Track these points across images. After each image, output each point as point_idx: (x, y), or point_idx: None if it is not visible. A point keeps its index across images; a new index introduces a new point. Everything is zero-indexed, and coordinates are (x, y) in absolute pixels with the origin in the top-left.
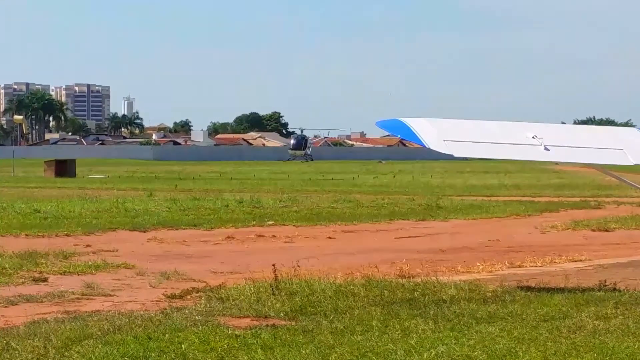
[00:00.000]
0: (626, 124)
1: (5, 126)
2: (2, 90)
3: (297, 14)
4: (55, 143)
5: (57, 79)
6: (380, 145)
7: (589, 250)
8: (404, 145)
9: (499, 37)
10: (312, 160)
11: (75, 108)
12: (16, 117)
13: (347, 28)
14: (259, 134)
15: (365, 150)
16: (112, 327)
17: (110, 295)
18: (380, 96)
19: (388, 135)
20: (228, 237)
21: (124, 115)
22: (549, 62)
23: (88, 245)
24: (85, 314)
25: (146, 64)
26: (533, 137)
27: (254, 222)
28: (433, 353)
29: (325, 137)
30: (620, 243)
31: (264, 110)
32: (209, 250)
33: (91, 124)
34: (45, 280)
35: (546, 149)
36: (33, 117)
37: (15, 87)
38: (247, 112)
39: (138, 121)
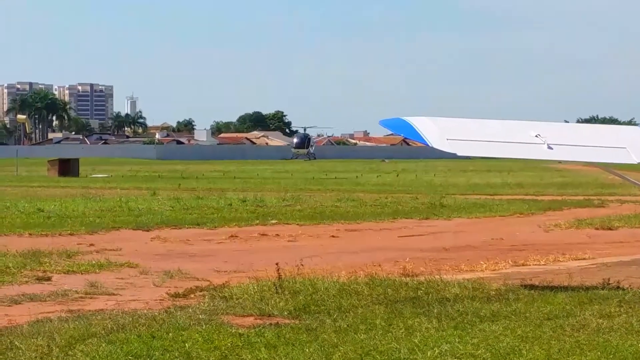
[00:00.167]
0: (629, 123)
1: (8, 125)
2: (6, 90)
3: (298, 13)
4: (58, 142)
5: (60, 78)
6: (384, 144)
7: (592, 248)
8: (407, 144)
9: (500, 37)
10: (315, 159)
11: (79, 107)
12: (19, 116)
13: (349, 28)
14: (262, 133)
15: (368, 149)
16: (116, 326)
17: (113, 294)
18: (382, 95)
19: (391, 134)
20: (231, 236)
21: (127, 115)
22: (550, 62)
23: (91, 245)
24: (89, 313)
25: (149, 63)
26: (536, 136)
27: (258, 221)
28: (437, 351)
29: (328, 136)
30: (624, 241)
31: (267, 110)
32: (212, 249)
33: (94, 124)
34: (48, 279)
35: (549, 147)
36: (36, 116)
37: (19, 86)
38: (251, 111)
39: (141, 120)
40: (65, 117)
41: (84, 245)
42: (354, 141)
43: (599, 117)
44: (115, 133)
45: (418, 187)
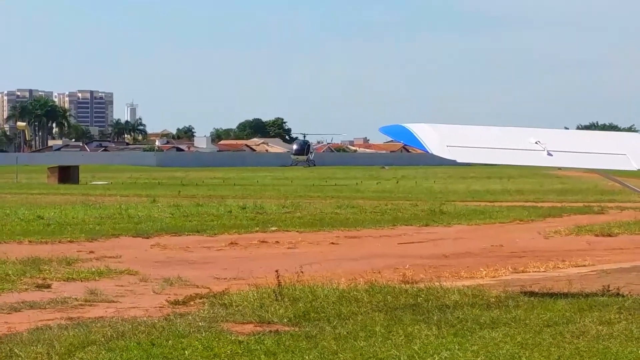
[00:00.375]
0: (629, 129)
1: (8, 133)
2: (5, 97)
3: (299, 19)
4: (58, 149)
5: (60, 85)
6: (383, 151)
7: (592, 255)
8: (407, 150)
9: (500, 38)
10: (314, 165)
11: (78, 114)
12: (19, 123)
13: (349, 32)
14: (262, 140)
15: (368, 155)
16: (116, 334)
17: (113, 302)
18: (382, 101)
19: (391, 141)
20: (231, 243)
21: (127, 122)
22: (550, 64)
23: (91, 252)
24: (89, 321)
25: (149, 70)
26: (536, 143)
27: (257, 228)
28: (436, 358)
29: (328, 143)
30: (624, 248)
31: (267, 116)
32: (212, 256)
33: (94, 131)
34: (48, 286)
35: (549, 154)
36: (36, 123)
37: (19, 93)
38: (250, 118)
39: (141, 127)
40: (65, 124)
41: (84, 253)
42: (353, 148)
43: (599, 124)
44: (115, 140)
45: (418, 194)
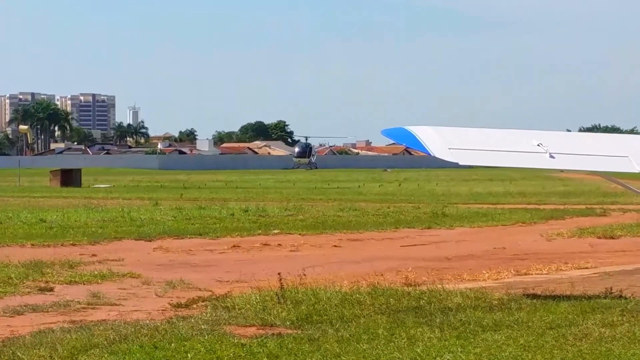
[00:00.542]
0: (631, 132)
1: (10, 136)
2: (8, 100)
3: (302, 22)
4: (60, 153)
5: (62, 88)
6: (386, 154)
7: (594, 257)
8: (409, 153)
9: (503, 40)
10: (316, 168)
11: (81, 118)
12: (21, 127)
13: (353, 35)
14: (264, 143)
15: (370, 158)
16: (118, 337)
17: (116, 305)
18: (386, 104)
19: (393, 144)
20: (234, 246)
21: (129, 125)
22: (551, 67)
23: (94, 255)
24: (91, 324)
25: (151, 73)
26: (538, 145)
27: (260, 231)
28: None
29: (330, 146)
30: (626, 250)
31: (269, 119)
32: (214, 259)
33: (96, 134)
34: (51, 289)
35: (551, 156)
36: (38, 126)
37: (21, 96)
38: (253, 121)
39: (143, 130)
40: (68, 127)
41: (86, 256)
42: (356, 150)
43: (601, 126)
44: (118, 143)
45: (420, 196)
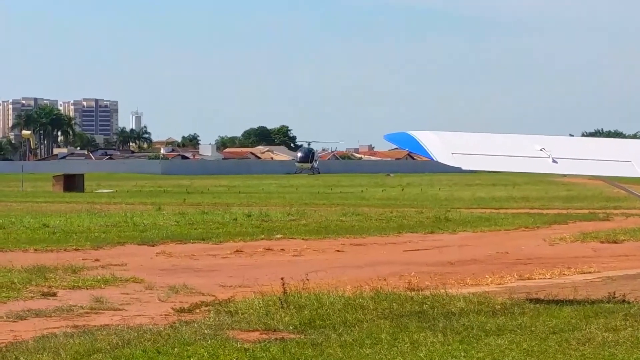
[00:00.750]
0: (634, 136)
1: (13, 141)
2: (11, 106)
3: (306, 27)
4: (63, 158)
5: (65, 93)
6: (389, 159)
7: (597, 262)
8: (412, 158)
9: (506, 44)
10: (319, 173)
11: (84, 123)
12: (24, 132)
13: (358, 40)
14: (267, 148)
15: (373, 163)
16: (121, 342)
17: (119, 310)
18: (389, 109)
19: (396, 149)
20: (236, 251)
21: (132, 130)
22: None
23: (97, 260)
24: (94, 329)
25: (154, 78)
26: (541, 150)
27: (263, 236)
28: None
29: (332, 151)
30: (629, 255)
31: (272, 124)
32: (217, 264)
33: (99, 139)
34: (54, 294)
35: (554, 161)
36: (41, 132)
37: (24, 102)
38: (255, 126)
39: (146, 135)
40: (70, 132)
41: (89, 261)
42: (358, 155)
43: (604, 131)
44: (120, 148)
45: (423, 201)
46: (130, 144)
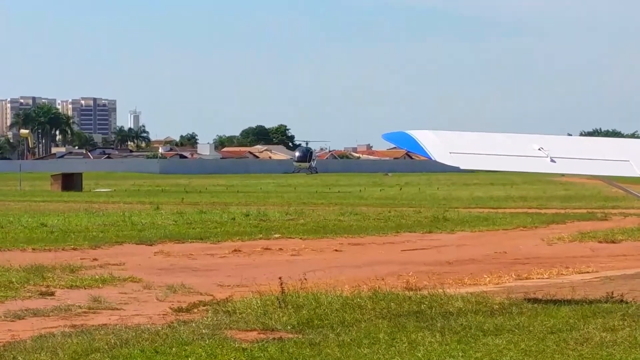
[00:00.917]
0: (632, 136)
1: (11, 140)
2: (9, 104)
3: (304, 26)
4: (61, 157)
5: (63, 92)
6: (387, 158)
7: (595, 262)
8: (410, 157)
9: (504, 43)
10: (316, 172)
11: (82, 122)
12: (22, 131)
13: (355, 40)
14: (265, 147)
15: (371, 162)
16: (119, 341)
17: (117, 309)
18: (387, 108)
19: (394, 148)
20: (234, 250)
21: (130, 129)
22: (554, 71)
23: (95, 259)
24: (92, 328)
25: (152, 77)
26: (539, 149)
27: (261, 235)
28: None
29: (331, 151)
30: (627, 255)
31: (270, 123)
32: (215, 264)
33: (97, 138)
34: (52, 294)
35: (552, 160)
36: (39, 131)
37: (22, 101)
38: (254, 125)
39: (144, 135)
40: (69, 131)
41: (87, 260)
42: (357, 155)
43: (602, 130)
44: (119, 147)
45: (421, 200)
46: (129, 143)
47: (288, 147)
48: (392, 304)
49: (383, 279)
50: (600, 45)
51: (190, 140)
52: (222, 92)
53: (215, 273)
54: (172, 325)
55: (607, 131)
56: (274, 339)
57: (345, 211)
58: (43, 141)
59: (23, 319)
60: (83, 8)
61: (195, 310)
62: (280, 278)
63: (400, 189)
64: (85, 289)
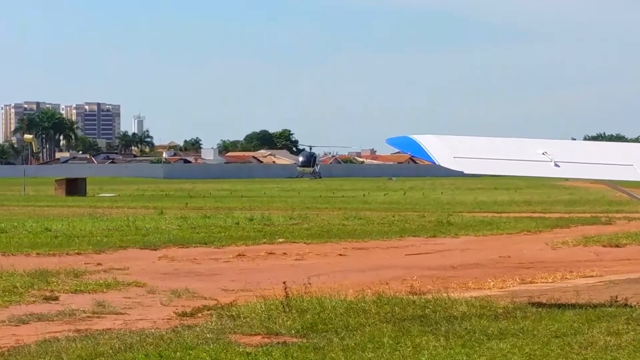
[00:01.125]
0: (636, 140)
1: (15, 145)
2: (13, 110)
3: (307, 31)
4: (65, 162)
5: (67, 97)
6: (391, 162)
7: (600, 266)
8: (414, 162)
9: (508, 49)
10: (320, 177)
11: (86, 127)
12: (26, 136)
13: (358, 45)
14: (269, 152)
15: (375, 167)
16: (124, 346)
17: (121, 314)
18: (391, 112)
19: (398, 152)
20: (239, 255)
21: (134, 134)
22: (558, 76)
23: (99, 264)
24: (97, 333)
25: (156, 82)
26: (543, 154)
27: (265, 240)
28: None
29: (334, 155)
30: (632, 259)
31: (274, 128)
32: (219, 268)
33: (101, 143)
34: (56, 298)
35: (556, 165)
36: (43, 136)
37: (26, 106)
38: (258, 130)
39: (148, 139)
40: (73, 136)
41: (92, 265)
42: (361, 159)
43: (606, 134)
44: (123, 152)
45: (425, 205)
46: (133, 147)
47: (292, 152)
48: (396, 308)
49: (387, 283)
50: (604, 50)
51: (194, 145)
52: (226, 97)
53: (220, 277)
54: (176, 329)
55: (611, 135)
56: (278, 343)
57: (349, 216)
58: (47, 146)
59: (27, 323)
60: (87, 14)
61: (200, 315)
62: (284, 282)
63: (404, 194)
64: (89, 293)
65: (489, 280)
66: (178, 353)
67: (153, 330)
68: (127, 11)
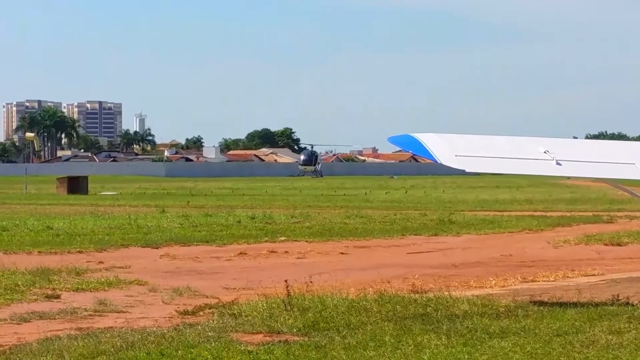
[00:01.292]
0: (638, 139)
1: (17, 143)
2: (15, 108)
3: (307, 31)
4: (67, 160)
5: (69, 96)
6: (392, 161)
7: (601, 264)
8: (416, 160)
9: (509, 49)
10: (321, 176)
11: (87, 125)
12: (28, 134)
13: (359, 44)
14: (270, 150)
15: (377, 165)
16: (125, 344)
17: (122, 312)
18: (393, 111)
19: (400, 151)
20: (240, 253)
21: (135, 132)
22: (559, 75)
23: (100, 262)
24: (98, 331)
25: (158, 81)
26: (545, 152)
27: (266, 238)
28: None
29: (335, 154)
30: (633, 257)
31: (275, 127)
32: (221, 267)
33: (103, 141)
34: (57, 297)
35: (558, 163)
36: (45, 134)
37: (27, 104)
38: (259, 128)
39: (150, 138)
40: (74, 134)
41: (93, 263)
42: (362, 158)
43: (608, 133)
44: (124, 150)
45: (427, 203)
46: (134, 146)
47: (293, 150)
48: (398, 306)
49: (389, 282)
50: (605, 49)
51: (195, 144)
52: (227, 96)
53: (221, 276)
54: (178, 328)
55: (613, 134)
56: (279, 341)
57: (350, 214)
58: (49, 144)
59: (29, 321)
60: (89, 12)
61: (201, 313)
62: (286, 281)
63: (406, 192)
64: (91, 291)
65: (491, 279)
66: (180, 351)
67: (155, 329)
68: (129, 10)
